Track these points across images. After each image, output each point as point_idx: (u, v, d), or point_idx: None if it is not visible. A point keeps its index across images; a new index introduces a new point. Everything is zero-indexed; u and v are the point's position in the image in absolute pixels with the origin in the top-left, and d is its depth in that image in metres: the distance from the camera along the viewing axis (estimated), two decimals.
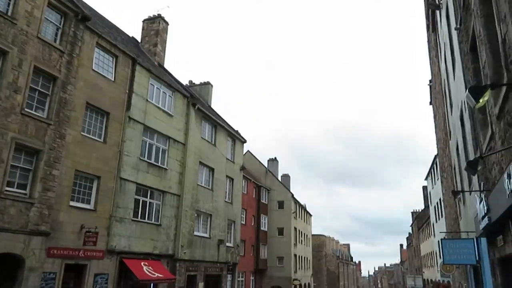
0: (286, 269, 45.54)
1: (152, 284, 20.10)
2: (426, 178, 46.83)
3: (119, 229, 18.40)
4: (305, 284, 53.47)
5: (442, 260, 10.97)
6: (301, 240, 53.33)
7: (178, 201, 22.74)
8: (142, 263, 19.27)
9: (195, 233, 23.98)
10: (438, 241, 34.79)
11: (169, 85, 23.05)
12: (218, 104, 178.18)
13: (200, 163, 25.27)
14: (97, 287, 17.02)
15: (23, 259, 13.86)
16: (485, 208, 6.07)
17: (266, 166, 50.06)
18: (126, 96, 19.66)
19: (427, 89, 36.70)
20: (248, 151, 49.67)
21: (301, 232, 53.40)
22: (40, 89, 15.26)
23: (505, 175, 4.62)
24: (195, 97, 25.94)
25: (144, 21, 27.37)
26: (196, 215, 24.45)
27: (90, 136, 17.60)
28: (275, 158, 52.33)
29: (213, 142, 27.21)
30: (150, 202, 20.76)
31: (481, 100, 4.74)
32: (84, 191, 17.18)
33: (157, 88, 22.08)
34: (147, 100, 20.95)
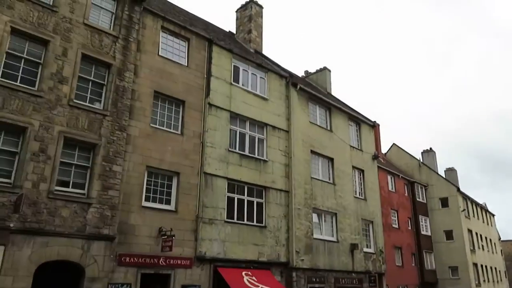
0: (464, 281, 36.35)
1: None
2: None
3: (209, 233, 15.59)
4: None
5: None
6: (482, 246, 42.73)
7: (287, 198, 18.96)
8: (243, 273, 15.99)
9: (315, 236, 19.65)
10: None
11: (260, 66, 19.88)
12: (353, 94, 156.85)
13: (313, 152, 21.07)
14: None
15: (83, 268, 12.05)
16: None
17: (420, 159, 42.13)
18: (204, 81, 17.25)
19: None
20: (394, 144, 42.94)
21: (480, 235, 42.85)
22: (93, 79, 13.80)
23: None
24: (295, 76, 22.13)
25: (237, 10, 25.34)
26: (315, 214, 20.21)
27: (163, 128, 15.49)
28: (431, 148, 43.85)
29: (328, 128, 22.72)
30: (248, 201, 17.53)
31: None
32: (162, 190, 14.97)
33: (243, 70, 19.13)
34: (231, 83, 18.15)
